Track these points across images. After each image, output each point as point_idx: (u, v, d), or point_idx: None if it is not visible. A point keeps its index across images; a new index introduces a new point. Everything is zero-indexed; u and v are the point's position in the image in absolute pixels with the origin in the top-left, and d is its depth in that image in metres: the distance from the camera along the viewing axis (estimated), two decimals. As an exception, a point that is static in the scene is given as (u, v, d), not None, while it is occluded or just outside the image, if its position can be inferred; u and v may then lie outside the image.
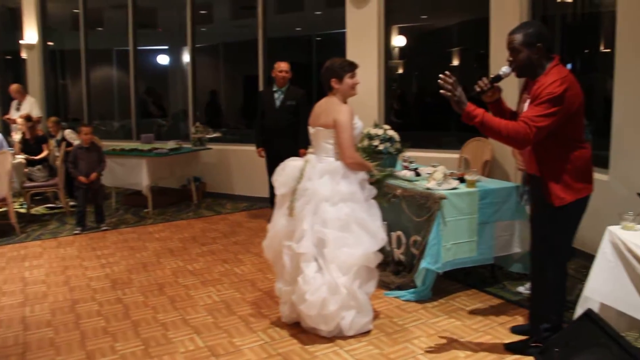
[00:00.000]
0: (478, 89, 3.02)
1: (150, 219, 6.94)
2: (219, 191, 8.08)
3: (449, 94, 2.79)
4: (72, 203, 7.13)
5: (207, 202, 7.81)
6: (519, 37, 2.90)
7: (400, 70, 7.82)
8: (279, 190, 3.59)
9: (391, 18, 6.83)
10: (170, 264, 5.10)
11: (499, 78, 2.98)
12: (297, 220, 3.43)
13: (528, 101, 2.95)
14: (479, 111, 2.80)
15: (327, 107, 3.54)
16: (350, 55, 6.87)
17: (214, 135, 8.45)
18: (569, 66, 5.70)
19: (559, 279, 3.12)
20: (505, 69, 2.95)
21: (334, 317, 3.41)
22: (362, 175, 3.55)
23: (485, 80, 2.99)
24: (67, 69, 11.50)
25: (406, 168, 4.76)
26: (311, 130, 3.66)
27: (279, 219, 3.57)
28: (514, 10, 5.52)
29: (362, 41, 6.79)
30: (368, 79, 6.75)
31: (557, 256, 3.08)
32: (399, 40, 7.48)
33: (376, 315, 3.77)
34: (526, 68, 2.94)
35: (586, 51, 5.49)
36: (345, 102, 3.58)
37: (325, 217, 3.39)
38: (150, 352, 3.37)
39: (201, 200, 7.86)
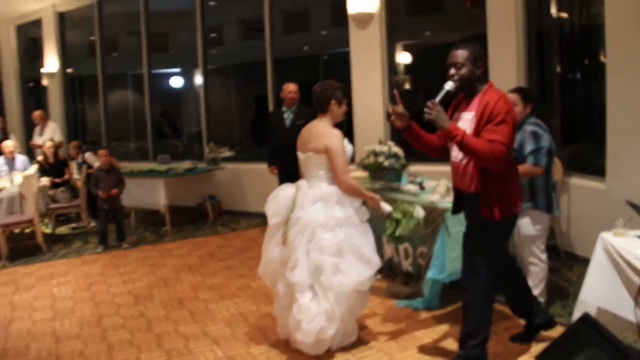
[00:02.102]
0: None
1: (169, 236, 7.20)
2: (234, 208, 8.33)
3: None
4: (93, 223, 7.41)
5: (222, 220, 8.05)
6: (463, 53, 2.98)
7: (407, 86, 8.04)
8: (271, 220, 3.57)
9: (395, 36, 7.05)
10: (189, 279, 5.34)
11: (447, 94, 3.01)
12: (291, 249, 3.44)
13: (466, 119, 3.03)
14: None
15: (317, 132, 3.51)
16: (355, 73, 7.11)
17: (227, 154, 8.73)
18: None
19: (490, 294, 3.14)
20: (450, 83, 3.00)
21: (327, 342, 3.50)
22: (358, 201, 3.58)
23: (432, 101, 2.94)
24: (84, 94, 11.88)
25: (412, 182, 4.97)
26: (301, 156, 3.63)
27: (273, 247, 3.57)
28: (509, 26, 5.71)
29: (366, 59, 7.01)
30: (372, 96, 6.98)
31: (491, 270, 3.08)
32: (404, 57, 7.71)
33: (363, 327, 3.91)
34: (468, 84, 3.01)
35: (585, 62, 5.67)
36: (333, 126, 3.59)
37: (322, 243, 3.39)
38: (174, 362, 3.60)
39: (217, 218, 8.10)
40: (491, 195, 3.00)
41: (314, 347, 3.49)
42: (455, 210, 3.41)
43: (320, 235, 3.42)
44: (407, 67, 7.74)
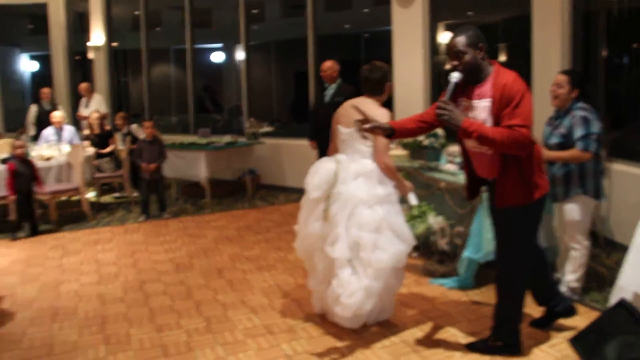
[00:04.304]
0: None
1: (208, 208, 7.37)
2: (272, 183, 8.46)
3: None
4: (135, 193, 7.64)
5: (260, 194, 8.19)
6: (461, 40, 2.92)
7: (448, 66, 7.95)
8: (312, 194, 3.58)
9: (437, 15, 6.98)
10: (227, 250, 5.49)
11: (455, 86, 2.94)
12: (332, 224, 3.46)
13: (482, 106, 2.94)
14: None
15: (366, 109, 3.40)
16: (397, 52, 7.08)
17: (267, 129, 8.84)
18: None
19: (521, 278, 3.14)
20: (456, 75, 2.93)
21: (364, 317, 3.58)
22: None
23: (443, 100, 2.90)
24: (127, 68, 12.12)
25: (450, 162, 4.97)
26: (343, 130, 3.64)
27: (313, 222, 3.59)
28: (555, 7, 5.59)
29: (408, 39, 6.97)
30: (414, 76, 6.95)
31: (522, 256, 3.09)
32: (445, 37, 7.63)
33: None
34: (473, 71, 2.94)
35: (632, 47, 5.53)
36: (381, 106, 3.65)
37: (362, 220, 3.44)
38: (212, 328, 3.72)
39: (255, 192, 8.24)
40: (507, 183, 2.95)
41: (351, 321, 3.57)
42: (471, 196, 3.40)
43: (360, 212, 3.46)
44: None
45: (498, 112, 2.86)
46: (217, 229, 6.30)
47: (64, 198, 7.38)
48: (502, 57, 7.47)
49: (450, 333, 3.55)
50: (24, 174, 6.11)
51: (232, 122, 10.85)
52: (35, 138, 8.42)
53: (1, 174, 6.29)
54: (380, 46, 8.00)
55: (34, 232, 6.20)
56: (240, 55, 9.53)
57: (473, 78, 2.98)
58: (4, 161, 6.47)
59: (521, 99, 2.81)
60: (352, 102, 3.68)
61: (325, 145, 6.21)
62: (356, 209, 3.46)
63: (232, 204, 7.58)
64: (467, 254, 4.19)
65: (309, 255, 3.73)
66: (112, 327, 3.80)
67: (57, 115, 8.09)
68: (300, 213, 3.76)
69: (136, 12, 10.71)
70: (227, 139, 8.10)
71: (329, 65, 6.36)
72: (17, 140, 6.85)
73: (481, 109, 2.96)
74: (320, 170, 3.62)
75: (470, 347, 3.32)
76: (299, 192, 4.14)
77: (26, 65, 15.66)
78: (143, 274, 4.86)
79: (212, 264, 5.08)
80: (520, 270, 3.12)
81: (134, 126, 8.05)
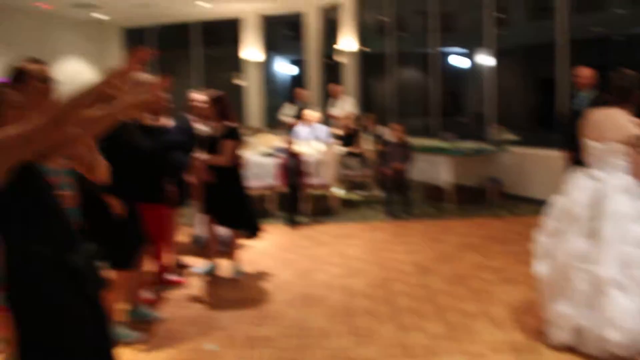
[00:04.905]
0: None
1: (450, 213, 7.32)
2: (516, 192, 8.07)
3: None
4: (379, 193, 7.92)
5: (503, 203, 7.87)
6: None
7: None
8: (573, 209, 3.45)
9: None
10: (470, 258, 5.38)
11: None
12: (598, 242, 3.30)
13: None
14: None
15: (619, 121, 3.37)
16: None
17: (512, 137, 8.46)
18: None
19: None
20: None
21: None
22: None
23: None
24: (371, 71, 12.62)
25: None
26: (595, 144, 3.48)
27: (573, 239, 3.41)
28: None
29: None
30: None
31: None
32: None
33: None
34: None
35: None
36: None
37: (630, 236, 3.27)
38: (454, 336, 3.68)
39: (497, 200, 7.95)
40: None
41: (627, 347, 3.24)
42: None
43: (629, 228, 3.28)
44: None
45: None
46: (459, 236, 6.21)
47: (314, 192, 7.97)
48: None
49: None
50: (293, 167, 6.71)
51: (475, 127, 10.64)
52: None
53: (264, 167, 7.04)
54: (635, 51, 7.12)
55: (292, 222, 6.76)
56: (484, 59, 9.29)
57: None
58: (269, 155, 7.24)
59: None
60: (603, 112, 3.48)
61: (576, 156, 5.77)
62: (624, 226, 3.28)
63: (474, 211, 7.42)
64: None
65: (562, 275, 3.46)
66: (359, 320, 3.98)
67: (311, 114, 8.76)
68: (544, 228, 3.61)
69: (382, 17, 11.10)
70: (471, 144, 7.96)
71: (582, 72, 5.90)
72: (286, 136, 7.56)
73: None
74: (580, 185, 3.49)
75: None
76: (544, 204, 3.89)
77: (283, 68, 17.43)
78: (387, 272, 5.01)
79: (454, 270, 5.03)
80: None
81: (381, 128, 8.35)
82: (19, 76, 2.87)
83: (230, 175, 4.82)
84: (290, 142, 6.84)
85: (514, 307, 4.15)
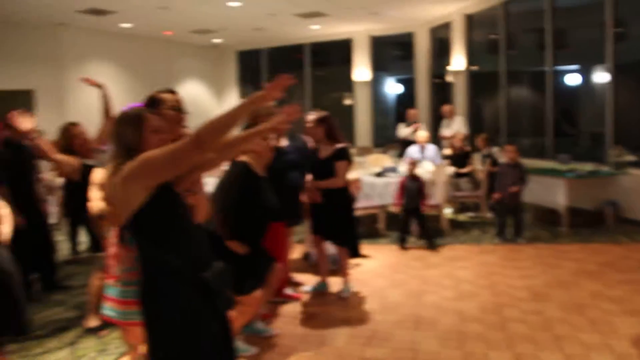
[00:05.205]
0: None
1: (564, 237, 7.07)
2: (636, 217, 7.63)
3: None
4: (490, 214, 7.79)
5: (622, 228, 7.47)
6: None
7: None
8: None
9: None
10: (588, 286, 5.18)
11: None
12: None
13: None
14: None
15: None
16: None
17: (632, 158, 8.02)
18: None
19: None
20: None
21: None
22: None
23: None
24: (480, 89, 12.43)
25: None
26: None
27: None
28: None
29: None
30: None
31: None
32: None
33: None
34: None
35: None
36: None
37: None
38: (574, 367, 3.60)
39: (616, 225, 7.56)
40: None
41: None
42: None
43: None
44: None
45: None
46: (575, 261, 5.99)
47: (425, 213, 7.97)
48: None
49: None
50: (411, 189, 6.73)
51: (592, 148, 10.16)
52: (400, 155, 9.33)
53: (375, 187, 7.17)
54: None
55: (403, 242, 6.75)
56: (600, 76, 8.87)
57: None
58: (379, 175, 7.36)
59: None
60: None
61: None
62: None
63: (590, 236, 7.10)
64: None
65: None
66: (471, 345, 3.99)
67: (422, 134, 8.80)
68: None
69: (492, 36, 10.92)
70: (588, 167, 7.65)
71: None
72: (408, 158, 7.57)
73: None
74: None
75: None
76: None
77: (392, 87, 17.53)
78: (499, 297, 4.95)
79: (571, 298, 4.88)
80: None
81: (494, 149, 8.24)
82: (153, 103, 3.17)
83: (339, 195, 4.90)
84: (413, 164, 6.83)
85: (637, 340, 3.97)
